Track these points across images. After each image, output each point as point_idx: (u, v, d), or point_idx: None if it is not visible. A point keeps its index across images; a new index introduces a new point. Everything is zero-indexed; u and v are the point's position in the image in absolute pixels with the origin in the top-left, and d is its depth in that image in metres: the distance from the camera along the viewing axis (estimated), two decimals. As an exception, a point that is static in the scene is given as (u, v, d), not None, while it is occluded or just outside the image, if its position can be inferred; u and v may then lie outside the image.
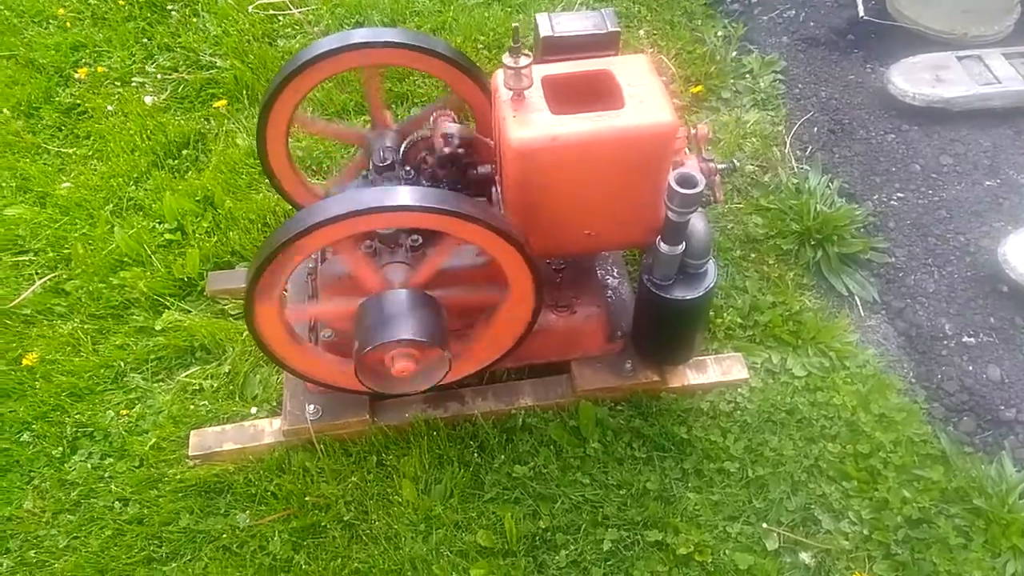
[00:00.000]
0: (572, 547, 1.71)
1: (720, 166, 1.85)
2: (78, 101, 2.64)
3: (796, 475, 1.81)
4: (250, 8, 2.90)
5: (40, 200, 2.34)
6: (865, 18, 2.89)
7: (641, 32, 2.80)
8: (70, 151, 2.49)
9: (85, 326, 2.05)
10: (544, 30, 1.74)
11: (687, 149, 1.92)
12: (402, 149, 1.81)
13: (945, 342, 2.06)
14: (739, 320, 2.08)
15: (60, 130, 2.56)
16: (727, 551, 1.70)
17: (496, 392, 1.91)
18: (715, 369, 1.96)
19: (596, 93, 1.63)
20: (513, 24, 1.50)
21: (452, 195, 1.55)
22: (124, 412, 1.89)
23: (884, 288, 2.19)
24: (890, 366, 2.04)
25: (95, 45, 2.83)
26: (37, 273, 2.15)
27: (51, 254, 2.21)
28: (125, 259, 2.16)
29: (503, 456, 1.83)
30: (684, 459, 1.83)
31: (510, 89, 1.56)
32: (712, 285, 1.72)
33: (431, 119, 1.83)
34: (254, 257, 1.57)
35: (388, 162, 1.77)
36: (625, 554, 1.70)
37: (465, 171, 1.80)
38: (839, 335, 2.05)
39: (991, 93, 2.52)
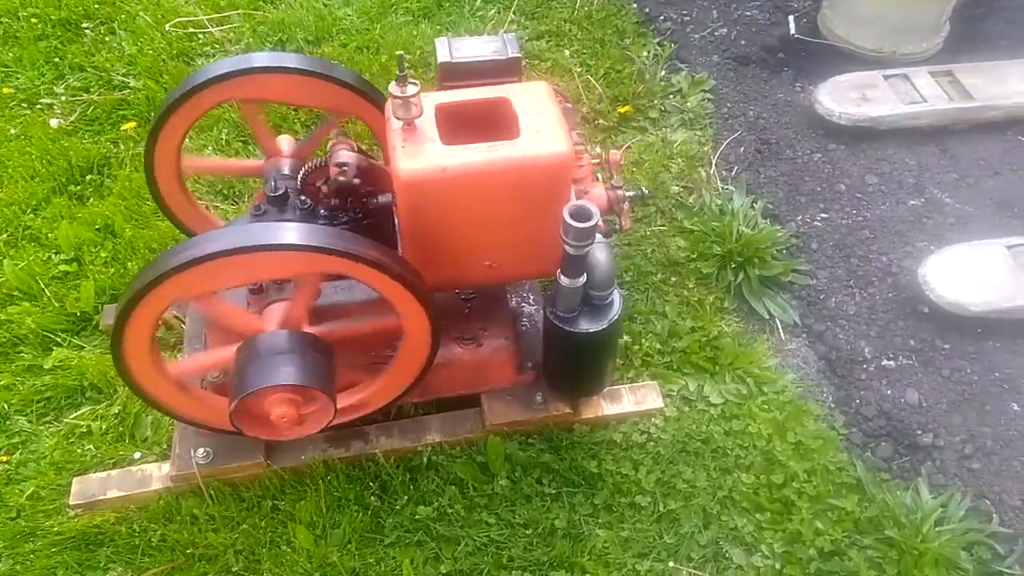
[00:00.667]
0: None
1: (628, 193, 1.80)
2: (-20, 124, 2.53)
3: (709, 508, 1.76)
4: (167, 26, 2.81)
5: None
6: (796, 36, 2.88)
7: (567, 52, 2.75)
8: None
9: (-32, 366, 1.94)
10: (442, 56, 1.68)
11: (597, 175, 1.87)
12: (299, 178, 1.73)
13: (864, 366, 2.03)
14: (658, 346, 2.02)
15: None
16: (635, 591, 1.64)
17: (402, 428, 1.84)
18: (629, 399, 1.90)
19: (492, 122, 1.57)
20: (398, 52, 1.43)
21: (324, 231, 1.46)
22: (4, 459, 1.78)
23: (805, 311, 2.15)
24: (809, 391, 2.00)
25: (3, 65, 2.72)
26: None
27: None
28: (15, 293, 2.06)
29: (406, 497, 1.75)
30: (594, 494, 1.77)
31: (399, 119, 1.49)
32: (617, 316, 1.66)
33: (328, 146, 1.76)
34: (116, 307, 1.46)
35: (280, 192, 1.69)
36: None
37: (364, 201, 1.72)
38: (758, 360, 2.01)
39: (917, 112, 2.51)
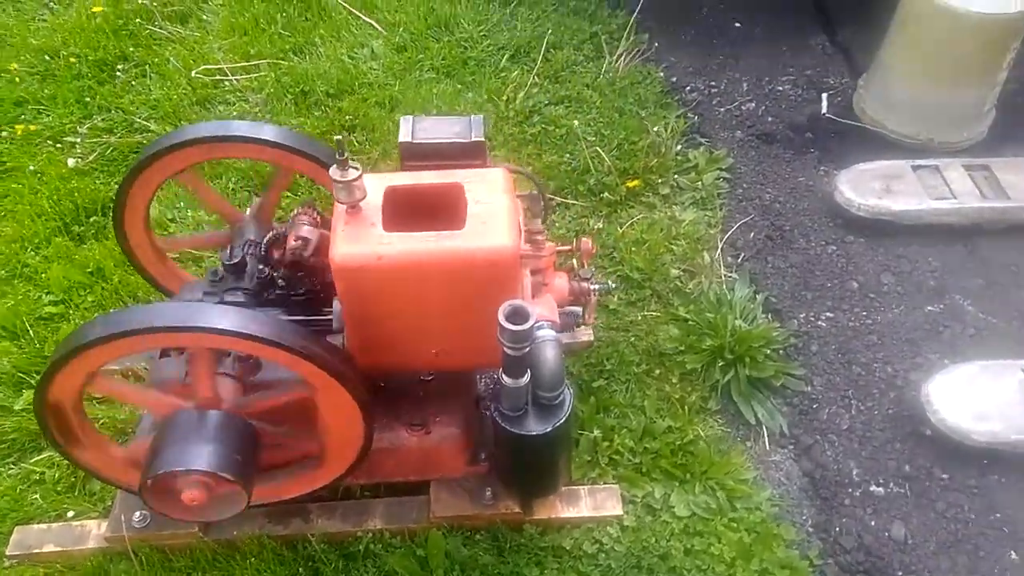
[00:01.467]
0: None
1: (595, 286, 1.71)
2: (4, 159, 2.62)
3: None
4: (194, 72, 2.87)
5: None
6: (827, 115, 2.75)
7: (576, 122, 2.68)
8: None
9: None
10: (404, 135, 1.64)
11: (574, 263, 1.80)
12: (263, 245, 1.71)
13: (851, 489, 1.87)
14: (630, 444, 1.91)
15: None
16: None
17: (345, 511, 1.77)
18: (588, 502, 1.80)
19: (443, 208, 1.51)
20: (336, 137, 1.39)
21: (240, 314, 1.40)
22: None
23: (795, 419, 2.01)
24: (787, 511, 1.85)
25: (38, 101, 2.82)
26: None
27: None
28: (0, 331, 2.10)
29: (335, 581, 1.68)
30: (536, 603, 1.67)
31: (342, 203, 1.45)
32: (566, 417, 1.56)
33: (291, 216, 1.73)
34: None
35: (236, 260, 1.67)
36: None
37: (321, 275, 1.68)
38: (734, 471, 1.88)
39: (945, 209, 2.35)
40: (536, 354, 1.52)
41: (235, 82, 2.87)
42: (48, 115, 2.78)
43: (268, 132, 1.72)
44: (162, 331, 1.34)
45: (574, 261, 1.84)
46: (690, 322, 2.15)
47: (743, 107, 2.83)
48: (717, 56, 3.03)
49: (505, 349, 1.42)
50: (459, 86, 2.90)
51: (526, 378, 1.50)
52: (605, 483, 1.84)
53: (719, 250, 2.37)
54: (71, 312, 2.16)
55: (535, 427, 1.56)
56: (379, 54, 3.01)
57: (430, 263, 1.42)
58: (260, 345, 1.36)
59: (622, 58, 2.95)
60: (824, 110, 2.76)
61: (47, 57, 2.99)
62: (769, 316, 2.20)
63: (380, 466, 1.75)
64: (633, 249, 2.31)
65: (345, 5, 3.18)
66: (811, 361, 2.10)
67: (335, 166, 1.40)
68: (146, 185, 1.72)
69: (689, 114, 2.81)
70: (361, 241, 1.42)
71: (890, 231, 2.36)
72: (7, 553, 1.71)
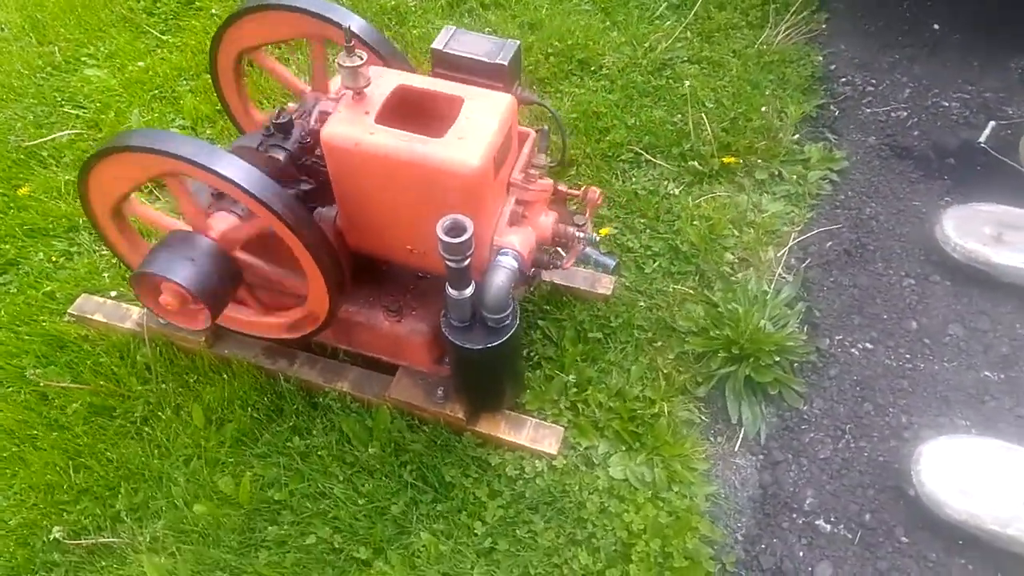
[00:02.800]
0: (285, 528, 1.75)
1: (581, 235, 1.73)
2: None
3: (532, 566, 1.70)
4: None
5: (118, 70, 2.74)
6: (983, 145, 2.45)
7: (687, 82, 2.59)
8: (167, 39, 2.86)
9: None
10: (437, 42, 1.72)
11: (572, 206, 1.82)
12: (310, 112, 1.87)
13: (796, 515, 1.78)
14: (599, 398, 1.93)
15: (173, 19, 2.95)
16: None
17: (324, 366, 1.97)
18: (529, 432, 1.86)
19: (440, 117, 1.60)
20: (345, 25, 1.51)
21: (268, 184, 1.57)
22: (54, 257, 2.22)
23: (777, 433, 1.92)
24: (724, 512, 1.81)
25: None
26: (72, 127, 2.54)
27: (92, 118, 2.60)
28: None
29: (290, 425, 1.90)
30: (440, 501, 1.79)
31: (347, 88, 1.58)
32: (502, 341, 1.63)
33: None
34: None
35: (284, 121, 1.86)
36: (323, 556, 1.72)
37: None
38: (685, 456, 1.85)
39: (1057, 275, 2.05)
40: (487, 276, 1.60)
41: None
42: None
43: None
44: (139, 151, 1.56)
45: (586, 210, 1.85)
46: (718, 308, 2.09)
47: (893, 114, 2.58)
48: (893, 54, 2.76)
49: (443, 259, 1.51)
50: (607, 23, 2.89)
51: (468, 291, 1.58)
52: (555, 423, 1.90)
53: (787, 249, 2.25)
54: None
55: (472, 341, 1.64)
56: (548, -25, 3.06)
57: (399, 161, 1.52)
58: (221, 181, 1.53)
59: (784, 32, 2.78)
60: (983, 139, 2.45)
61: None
62: (804, 328, 2.08)
63: (357, 337, 1.93)
64: (695, 223, 2.26)
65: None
66: (822, 383, 1.98)
67: (343, 52, 1.53)
68: (227, 52, 1.94)
69: (831, 106, 2.62)
70: (350, 125, 1.55)
71: (984, 283, 2.11)
72: (68, 311, 2.09)
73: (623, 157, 2.45)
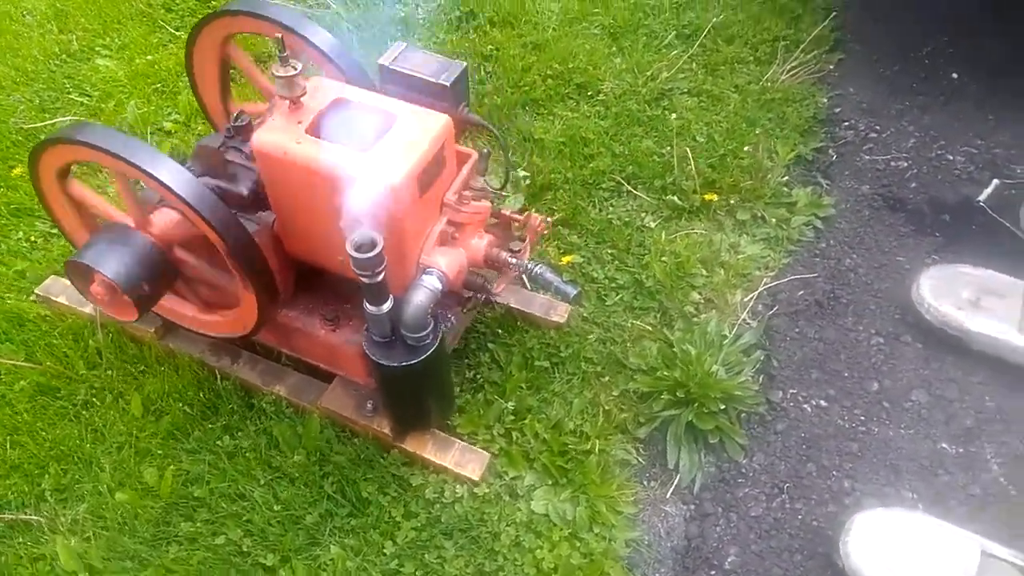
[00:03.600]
0: (199, 525, 1.76)
1: (513, 261, 1.70)
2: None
3: (434, 593, 1.67)
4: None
5: (127, 62, 2.82)
6: (982, 204, 2.34)
7: (672, 116, 2.54)
8: (180, 35, 2.93)
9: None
10: (384, 59, 1.72)
11: (521, 233, 1.80)
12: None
13: (714, 572, 1.71)
14: (535, 429, 1.89)
15: (189, 15, 3.02)
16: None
17: (265, 368, 1.98)
18: (454, 456, 1.83)
19: (374, 132, 1.59)
20: (276, 35, 1.52)
21: (199, 190, 1.58)
22: (33, 238, 2.29)
23: (712, 484, 1.85)
24: (644, 560, 1.75)
25: None
26: (73, 114, 2.62)
27: (94, 106, 2.68)
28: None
29: (223, 423, 1.91)
30: (355, 517, 1.77)
31: (283, 98, 1.58)
32: (419, 360, 1.60)
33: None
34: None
35: (243, 123, 1.88)
36: (230, 558, 1.71)
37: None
38: (612, 498, 1.79)
39: (1031, 349, 1.94)
40: (408, 293, 1.59)
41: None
42: None
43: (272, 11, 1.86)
44: (73, 143, 1.61)
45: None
46: (673, 348, 2.03)
47: (893, 163, 2.49)
48: (904, 101, 2.66)
49: (355, 274, 1.50)
50: (613, 49, 2.86)
51: (386, 306, 1.57)
52: (486, 449, 1.86)
53: (756, 294, 2.17)
54: (185, 132, 2.55)
55: (391, 358, 1.63)
56: (562, -4, 3.05)
57: (320, 173, 1.52)
58: (143, 176, 1.55)
59: (792, 70, 2.71)
60: (983, 197, 2.34)
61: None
62: (759, 377, 2.00)
63: (295, 342, 1.93)
64: (664, 258, 2.20)
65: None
66: (767, 437, 1.90)
67: (277, 63, 1.54)
68: (202, 55, 1.98)
69: (830, 150, 2.54)
70: (277, 133, 1.56)
71: (958, 349, 2.00)
72: (36, 291, 2.14)
73: (604, 185, 2.41)
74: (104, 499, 1.80)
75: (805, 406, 1.96)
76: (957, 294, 2.02)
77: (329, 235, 1.66)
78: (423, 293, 1.59)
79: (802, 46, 2.77)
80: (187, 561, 1.71)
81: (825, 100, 2.67)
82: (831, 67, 2.77)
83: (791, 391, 1.99)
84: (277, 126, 1.58)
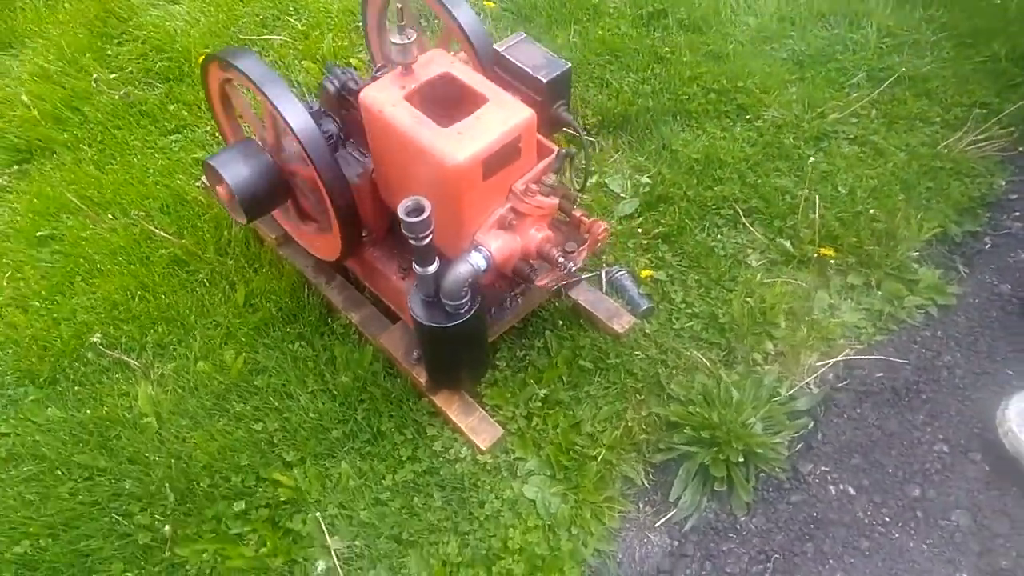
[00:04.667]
0: (248, 409, 2.03)
1: (562, 260, 1.76)
2: None
3: (406, 533, 1.82)
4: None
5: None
6: None
7: (822, 160, 2.39)
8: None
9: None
10: (499, 45, 1.82)
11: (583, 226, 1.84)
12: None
13: (666, 612, 1.72)
14: (556, 421, 1.97)
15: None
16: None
17: (349, 296, 2.19)
18: (472, 421, 1.96)
19: (468, 108, 1.71)
20: (398, 5, 1.67)
21: (310, 130, 1.78)
22: (217, 134, 2.67)
23: (702, 529, 1.84)
24: (606, 572, 1.79)
25: None
26: (285, 34, 2.97)
27: (303, 30, 3.01)
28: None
29: (299, 330, 2.16)
30: (371, 444, 1.96)
31: (397, 63, 1.75)
32: (452, 324, 1.73)
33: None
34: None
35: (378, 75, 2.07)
36: (259, 443, 1.97)
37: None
38: (599, 507, 1.85)
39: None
40: (453, 263, 1.72)
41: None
42: None
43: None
44: (225, 66, 1.87)
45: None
46: (721, 384, 2.00)
47: (1052, 272, 2.22)
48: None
49: (406, 236, 1.65)
50: (794, 77, 2.75)
51: (432, 268, 1.71)
52: (504, 425, 1.97)
53: (831, 362, 2.07)
54: (369, 69, 2.82)
55: (428, 317, 1.78)
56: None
57: (402, 137, 1.67)
58: (271, 105, 1.78)
59: (978, 141, 2.47)
60: None
61: None
62: (796, 444, 1.94)
63: (374, 280, 2.14)
64: (748, 298, 2.15)
65: None
66: (776, 504, 1.85)
67: (395, 30, 1.70)
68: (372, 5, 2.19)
69: (985, 237, 2.31)
70: (382, 92, 1.73)
71: (1022, 481, 1.82)
72: (202, 178, 2.51)
73: (722, 212, 2.37)
74: (188, 364, 2.12)
75: (831, 487, 1.87)
76: (1047, 427, 1.82)
77: (409, 191, 1.82)
78: (465, 267, 1.71)
79: (1000, 115, 2.52)
80: (229, 434, 1.99)
81: (1003, 183, 2.42)
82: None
83: (823, 468, 1.90)
84: (383, 86, 1.75)
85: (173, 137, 2.68)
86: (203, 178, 2.49)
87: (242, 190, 1.91)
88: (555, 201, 1.79)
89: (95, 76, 2.83)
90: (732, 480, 1.87)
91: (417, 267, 1.72)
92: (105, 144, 2.64)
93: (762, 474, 1.90)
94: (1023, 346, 2.08)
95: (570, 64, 1.77)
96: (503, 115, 1.67)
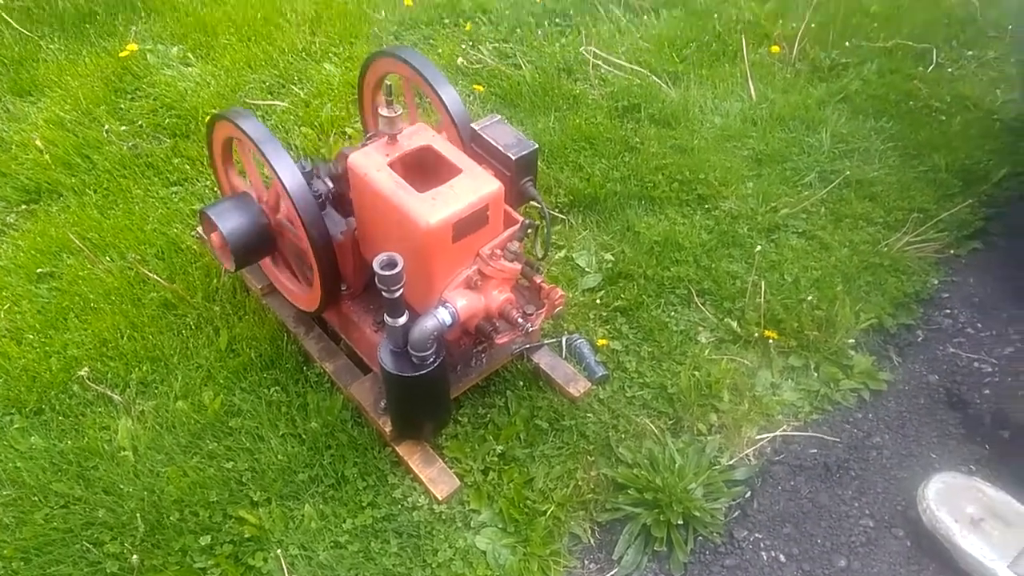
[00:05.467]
0: (221, 447, 2.14)
1: (522, 322, 1.92)
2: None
3: (351, 574, 1.92)
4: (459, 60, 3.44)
5: (346, 71, 3.36)
6: (1051, 434, 2.22)
7: (771, 249, 2.60)
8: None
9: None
10: (477, 124, 2.03)
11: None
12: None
13: (599, 661, 1.83)
14: (512, 476, 2.10)
15: (411, 46, 3.54)
16: None
17: (325, 347, 2.34)
18: (432, 472, 2.08)
19: (441, 177, 1.90)
20: (386, 82, 1.88)
21: (300, 188, 1.96)
22: (215, 188, 2.84)
23: (639, 586, 1.96)
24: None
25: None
26: (288, 101, 3.19)
27: (305, 99, 3.23)
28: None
29: (275, 376, 2.29)
30: (334, 489, 2.07)
31: (384, 133, 1.95)
32: (416, 375, 1.88)
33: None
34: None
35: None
36: (229, 482, 2.08)
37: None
38: (545, 561, 1.97)
39: (1018, 584, 1.85)
40: (421, 317, 1.88)
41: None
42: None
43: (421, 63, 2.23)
44: (229, 122, 2.07)
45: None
46: (667, 450, 2.14)
47: (976, 364, 2.40)
48: (1022, 309, 2.56)
49: (378, 288, 1.81)
50: (753, 173, 2.98)
51: (401, 320, 1.86)
52: (461, 478, 2.10)
53: (770, 436, 2.23)
54: (361, 139, 3.03)
55: (395, 367, 1.92)
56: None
57: (385, 199, 1.85)
58: (266, 162, 1.96)
59: (916, 243, 2.69)
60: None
61: None
62: (733, 512, 2.07)
63: (350, 331, 2.29)
64: (696, 372, 2.32)
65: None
66: (710, 566, 1.97)
67: (383, 105, 1.90)
68: (368, 80, 2.41)
69: (917, 331, 2.51)
70: (367, 158, 1.92)
71: (943, 561, 1.95)
72: (197, 229, 2.68)
73: (677, 291, 2.56)
74: (168, 402, 2.25)
75: (763, 553, 2.00)
76: (961, 507, 1.97)
77: (386, 249, 1.99)
78: (432, 321, 1.87)
79: (937, 220, 2.75)
80: (201, 471, 2.10)
81: (936, 282, 2.64)
82: (959, 253, 2.72)
83: (756, 535, 2.04)
84: (369, 152, 1.94)
85: (174, 188, 2.86)
86: (198, 228, 2.66)
87: (234, 239, 2.08)
88: (518, 266, 1.96)
89: (106, 127, 3.03)
90: (672, 541, 2.00)
91: (388, 319, 1.88)
92: (110, 191, 2.82)
93: (700, 537, 2.03)
94: (947, 432, 2.25)
95: (537, 145, 1.98)
96: (474, 185, 1.87)
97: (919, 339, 2.50)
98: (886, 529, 2.05)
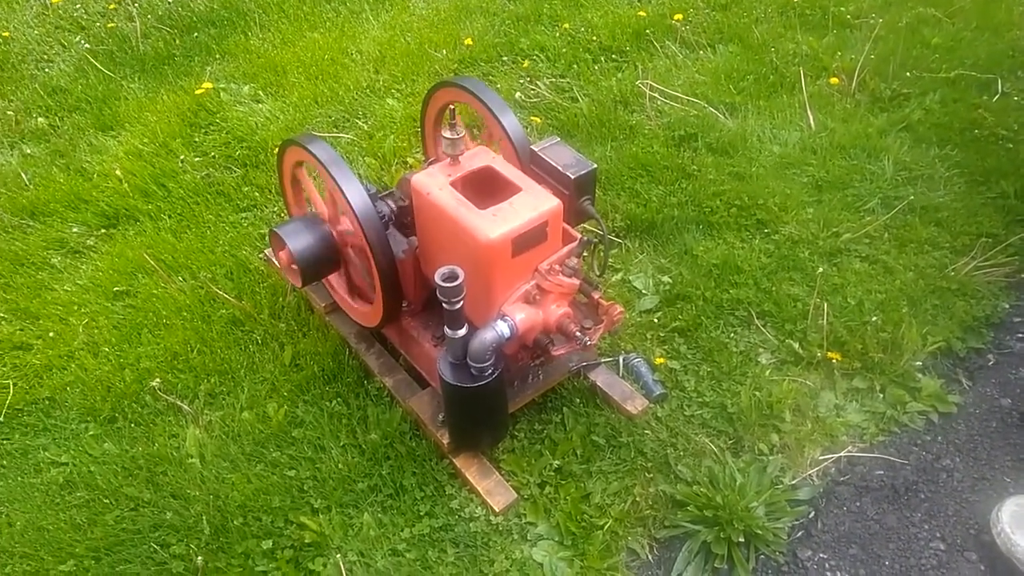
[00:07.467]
0: (284, 457, 2.19)
1: (578, 335, 1.93)
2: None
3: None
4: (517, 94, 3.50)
5: (407, 106, 3.48)
6: None
7: (834, 272, 2.56)
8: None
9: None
10: (536, 145, 2.08)
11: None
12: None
13: None
14: (570, 491, 2.09)
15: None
16: None
17: (385, 362, 2.39)
18: (489, 484, 2.09)
19: (501, 195, 1.95)
20: (450, 107, 1.94)
21: (366, 206, 2.03)
22: (284, 212, 2.96)
23: (699, 604, 1.91)
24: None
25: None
26: (353, 134, 3.32)
27: (369, 131, 3.35)
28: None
29: (337, 390, 2.35)
30: (393, 499, 2.10)
31: (447, 154, 2.01)
32: (475, 386, 1.90)
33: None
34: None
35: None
36: (291, 489, 2.12)
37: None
38: (600, 572, 1.94)
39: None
40: (480, 330, 1.91)
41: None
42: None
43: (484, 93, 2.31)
44: (300, 147, 2.16)
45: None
46: (727, 469, 2.12)
47: (1052, 390, 2.33)
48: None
49: (440, 300, 1.85)
50: (813, 199, 2.97)
51: (461, 332, 1.90)
52: (518, 490, 2.10)
53: (834, 457, 2.18)
54: (419, 169, 3.11)
55: (454, 378, 1.95)
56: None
57: (447, 215, 1.91)
58: (335, 185, 2.04)
59: (984, 267, 2.63)
60: None
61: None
62: (797, 532, 2.02)
63: (409, 347, 2.33)
64: (756, 393, 2.29)
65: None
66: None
67: (446, 127, 1.96)
68: (431, 109, 2.50)
69: (988, 355, 2.44)
70: (430, 178, 1.98)
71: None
72: (265, 252, 2.78)
73: (736, 313, 2.54)
74: (234, 413, 2.31)
75: (828, 574, 1.95)
76: (1038, 530, 1.89)
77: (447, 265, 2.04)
78: (491, 333, 1.90)
79: (1006, 244, 2.68)
80: (264, 479, 2.15)
81: (1007, 306, 2.57)
82: (1028, 269, 2.65)
83: (821, 555, 1.98)
84: (432, 173, 2.01)
85: (244, 214, 2.98)
86: (266, 251, 2.76)
87: (301, 256, 2.15)
88: (576, 282, 1.99)
89: (182, 158, 3.18)
90: (733, 559, 1.96)
91: (448, 330, 1.91)
92: (183, 216, 2.95)
93: (762, 556, 1.98)
94: (1021, 456, 2.17)
95: (596, 165, 2.02)
96: (534, 202, 1.91)
97: (990, 363, 2.43)
98: (958, 552, 1.97)
